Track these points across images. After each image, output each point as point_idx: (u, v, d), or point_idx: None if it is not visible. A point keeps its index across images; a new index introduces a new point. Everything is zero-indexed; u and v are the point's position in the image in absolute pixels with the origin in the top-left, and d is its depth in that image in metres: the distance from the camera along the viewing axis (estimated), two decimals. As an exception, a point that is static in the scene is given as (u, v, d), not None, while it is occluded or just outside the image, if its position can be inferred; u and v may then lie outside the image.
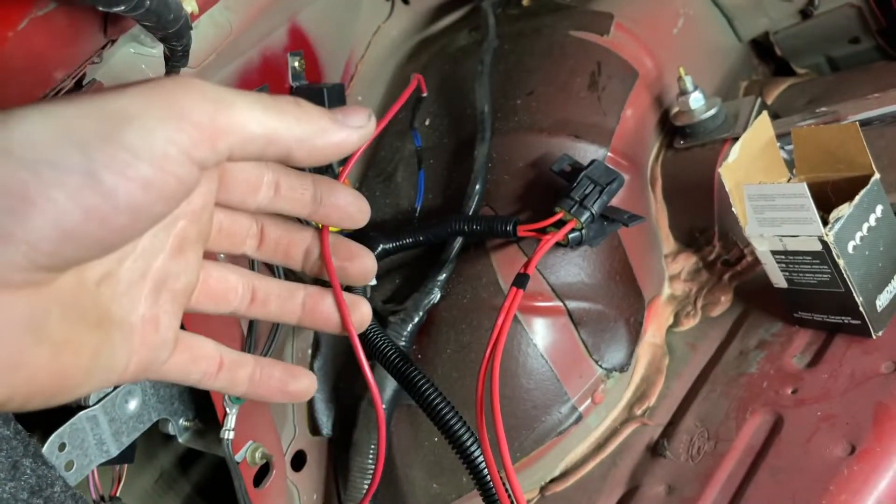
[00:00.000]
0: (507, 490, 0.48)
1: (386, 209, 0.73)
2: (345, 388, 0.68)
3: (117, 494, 0.59)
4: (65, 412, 0.53)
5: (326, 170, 0.67)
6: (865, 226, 0.56)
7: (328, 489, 0.69)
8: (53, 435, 0.50)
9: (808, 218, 0.54)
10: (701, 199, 0.70)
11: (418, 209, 0.69)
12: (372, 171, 0.75)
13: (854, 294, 0.56)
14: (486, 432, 0.50)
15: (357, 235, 0.71)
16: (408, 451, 0.66)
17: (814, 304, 0.60)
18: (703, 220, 0.70)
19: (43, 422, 0.51)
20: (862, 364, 0.57)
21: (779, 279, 0.61)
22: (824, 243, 0.55)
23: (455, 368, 0.64)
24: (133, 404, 0.56)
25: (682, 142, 0.72)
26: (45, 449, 0.50)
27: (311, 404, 0.69)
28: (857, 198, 0.55)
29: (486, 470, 0.50)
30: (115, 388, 0.55)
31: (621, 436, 0.65)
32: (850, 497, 0.51)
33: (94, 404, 0.54)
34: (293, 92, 0.68)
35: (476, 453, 0.50)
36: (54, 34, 0.35)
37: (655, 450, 0.63)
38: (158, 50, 0.50)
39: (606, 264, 0.66)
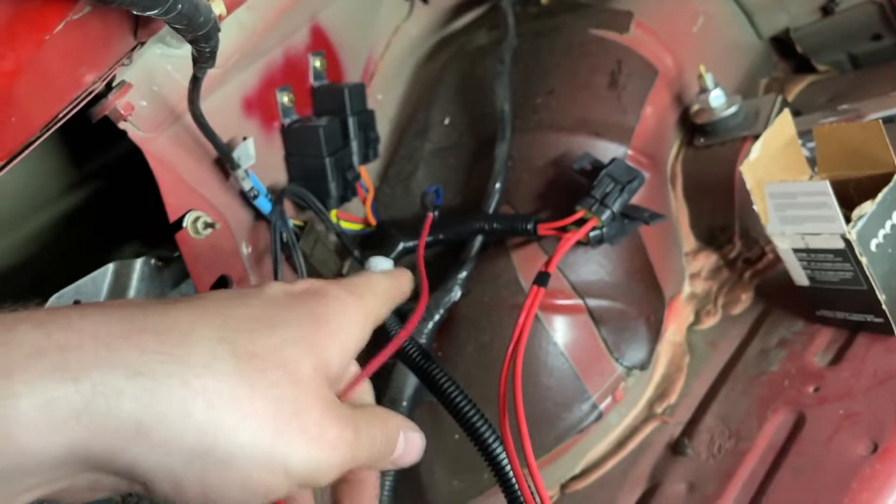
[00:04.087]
0: (529, 487, 0.49)
1: (406, 208, 0.73)
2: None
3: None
4: None
5: (348, 169, 0.67)
6: (888, 223, 0.56)
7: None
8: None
9: (831, 216, 0.54)
10: (721, 197, 0.70)
11: (438, 208, 0.69)
12: (392, 169, 0.76)
13: (877, 292, 0.56)
14: (508, 429, 0.50)
15: (378, 234, 0.72)
16: (429, 447, 0.66)
17: (836, 302, 0.60)
18: (723, 218, 0.70)
19: None
20: (885, 362, 0.57)
21: (800, 277, 0.60)
22: (847, 241, 0.55)
23: (476, 366, 0.64)
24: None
25: (702, 140, 0.72)
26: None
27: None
28: (881, 195, 0.55)
29: (508, 467, 0.50)
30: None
31: (642, 434, 0.65)
32: (873, 495, 0.50)
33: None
34: (314, 92, 0.69)
35: (498, 450, 0.51)
36: (88, 37, 0.36)
37: (676, 448, 0.63)
38: (184, 51, 0.51)
39: (627, 262, 0.66)
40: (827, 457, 0.54)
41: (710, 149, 0.71)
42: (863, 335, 0.60)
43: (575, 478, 0.65)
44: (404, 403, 0.64)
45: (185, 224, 0.54)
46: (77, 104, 0.41)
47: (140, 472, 0.28)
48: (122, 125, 0.50)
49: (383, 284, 0.41)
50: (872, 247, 0.55)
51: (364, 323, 0.38)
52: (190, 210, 0.54)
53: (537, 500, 0.48)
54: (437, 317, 0.65)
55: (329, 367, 0.34)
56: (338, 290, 0.37)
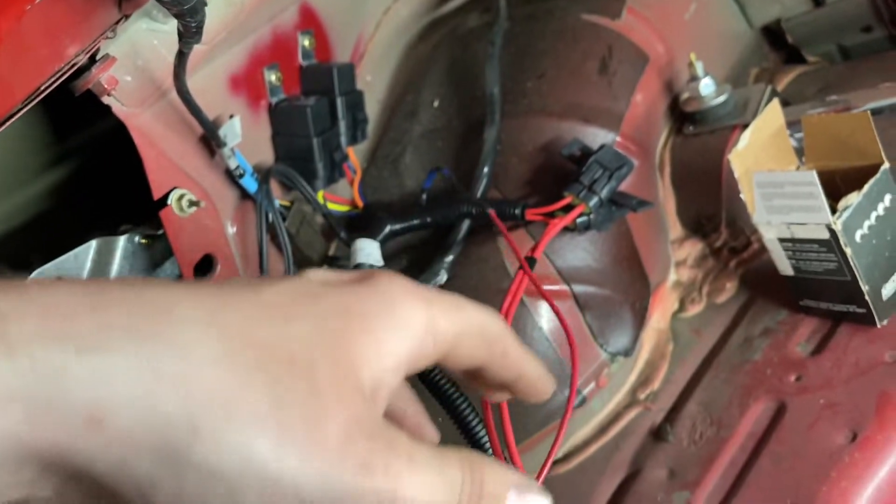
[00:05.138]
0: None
1: (393, 191, 0.73)
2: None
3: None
4: None
5: (336, 150, 0.67)
6: (874, 215, 0.56)
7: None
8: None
9: (817, 206, 0.55)
10: (709, 186, 0.70)
11: (425, 191, 0.69)
12: (381, 151, 0.75)
13: (860, 283, 0.56)
14: (490, 412, 0.51)
15: (365, 216, 0.71)
16: (412, 430, 0.66)
17: (820, 292, 0.60)
18: (710, 206, 0.70)
19: None
20: (866, 353, 0.57)
21: (785, 267, 0.61)
22: (832, 231, 0.55)
23: (460, 350, 0.64)
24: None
25: (691, 128, 0.72)
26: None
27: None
28: (867, 187, 0.55)
29: (489, 450, 0.50)
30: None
31: (624, 420, 0.66)
32: (851, 484, 0.51)
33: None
34: (303, 71, 0.68)
35: (480, 433, 0.51)
36: (71, 8, 0.35)
37: (658, 434, 0.63)
38: (170, 26, 0.50)
39: (613, 249, 0.66)
40: (807, 445, 0.55)
41: (698, 137, 0.71)
42: (845, 325, 0.60)
43: (556, 462, 0.65)
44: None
45: (169, 202, 0.53)
46: (59, 77, 0.41)
47: (99, 474, 0.22)
48: (105, 100, 0.49)
49: (470, 306, 0.31)
50: (857, 238, 0.55)
51: (423, 330, 0.28)
52: (174, 187, 0.54)
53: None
54: (422, 300, 0.64)
55: (358, 371, 0.25)
56: (394, 280, 0.28)
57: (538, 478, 0.46)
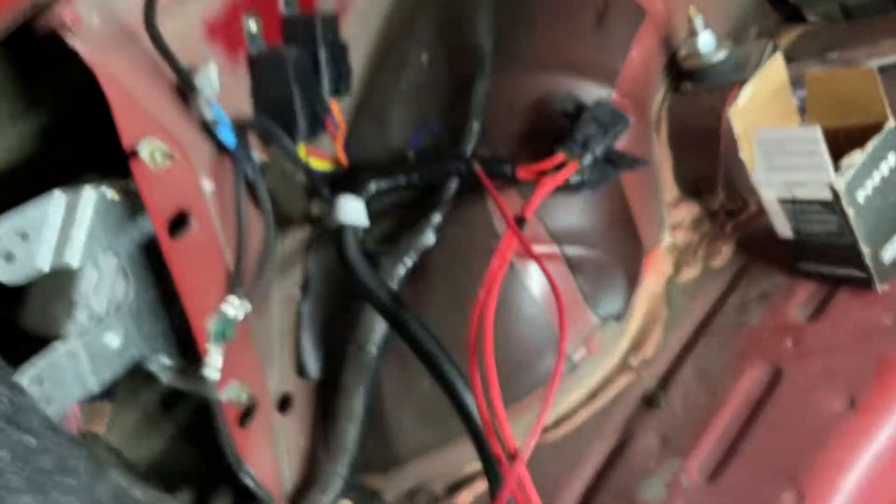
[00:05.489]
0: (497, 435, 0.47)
1: (379, 148, 0.70)
2: (333, 331, 0.67)
3: (100, 433, 0.57)
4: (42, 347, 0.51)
5: (318, 102, 0.64)
6: (877, 175, 0.54)
7: (315, 433, 0.68)
8: (29, 366, 0.48)
9: (820, 164, 0.52)
10: (706, 146, 0.68)
11: (412, 149, 0.66)
12: (365, 107, 0.72)
13: (860, 245, 0.54)
14: (478, 377, 0.49)
15: (349, 175, 0.69)
16: (397, 395, 0.65)
17: (819, 255, 0.58)
18: (707, 167, 0.68)
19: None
20: (866, 317, 0.56)
21: (784, 229, 0.59)
22: (834, 192, 0.53)
23: (447, 314, 0.62)
24: (115, 341, 0.54)
25: (689, 85, 0.69)
26: (23, 382, 0.48)
27: (298, 346, 0.67)
28: (870, 145, 0.53)
29: (476, 415, 0.49)
30: (96, 322, 0.53)
31: (615, 386, 0.64)
32: (849, 451, 0.50)
33: (74, 339, 0.52)
34: (285, 21, 0.65)
35: (467, 398, 0.49)
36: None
37: (650, 400, 0.62)
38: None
39: (606, 210, 0.64)
40: (804, 412, 0.53)
41: (697, 95, 0.69)
42: (844, 290, 0.58)
43: (546, 429, 0.64)
44: (373, 350, 0.62)
45: (141, 153, 0.50)
46: (19, 16, 0.38)
47: None
48: (71, 42, 0.46)
49: None
50: (860, 198, 0.54)
51: None
52: (146, 136, 0.51)
53: (504, 448, 0.46)
54: (408, 261, 0.62)
55: None
56: None
57: (527, 445, 0.45)
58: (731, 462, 0.54)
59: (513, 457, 0.46)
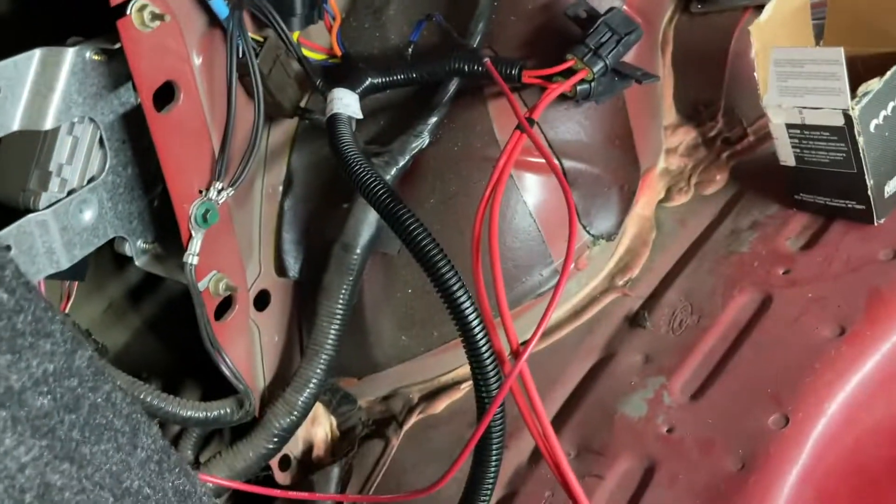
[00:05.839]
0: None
1: (374, 43, 0.66)
2: (316, 230, 0.64)
3: (66, 312, 0.54)
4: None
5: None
6: (891, 105, 0.53)
7: (290, 332, 0.66)
8: (-4, 231, 0.45)
9: (838, 88, 0.51)
10: (711, 70, 0.66)
11: (412, 44, 0.63)
12: (362, 1, 0.68)
13: (866, 176, 0.54)
14: (482, 280, 0.47)
15: (343, 67, 0.65)
16: (379, 300, 0.63)
17: (819, 185, 0.58)
18: (710, 92, 0.67)
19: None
20: (859, 250, 0.56)
21: (787, 156, 0.58)
22: (847, 118, 0.52)
23: (438, 219, 0.60)
24: (88, 215, 0.51)
25: (699, 6, 0.67)
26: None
27: (278, 244, 0.65)
28: (889, 73, 0.52)
29: (471, 315, 0.47)
30: (70, 194, 0.50)
31: (600, 304, 0.64)
32: (836, 377, 0.50)
33: (45, 209, 0.48)
34: None
35: (461, 295, 0.47)
36: None
37: (634, 320, 0.61)
38: None
39: (608, 126, 0.62)
40: (791, 337, 0.53)
41: (706, 17, 0.67)
42: (839, 222, 0.58)
43: (528, 342, 0.63)
44: (358, 251, 0.59)
45: (129, 11, 0.46)
46: None
47: None
48: None
49: None
50: (871, 127, 0.53)
51: None
52: (134, -8, 0.46)
53: (508, 349, 0.45)
54: (402, 162, 0.60)
55: None
56: None
57: (530, 343, 0.44)
58: (716, 382, 0.54)
59: (515, 353, 0.45)
